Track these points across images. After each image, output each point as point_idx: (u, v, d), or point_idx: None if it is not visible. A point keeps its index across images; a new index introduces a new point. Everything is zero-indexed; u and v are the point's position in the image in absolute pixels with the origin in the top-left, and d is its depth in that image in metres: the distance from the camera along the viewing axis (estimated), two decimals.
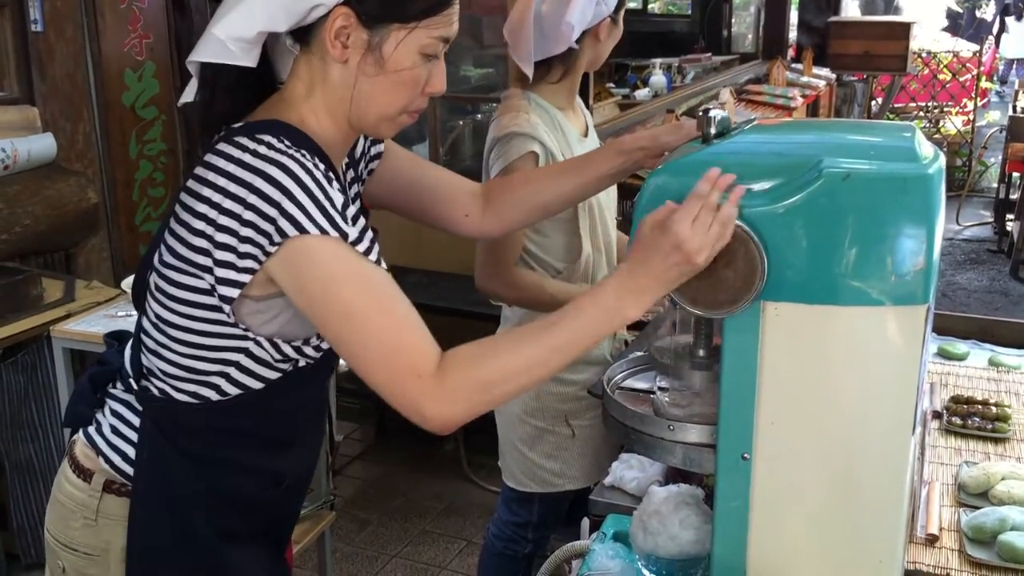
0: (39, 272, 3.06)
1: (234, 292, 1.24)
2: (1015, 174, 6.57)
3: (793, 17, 7.63)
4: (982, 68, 9.00)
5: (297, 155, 1.21)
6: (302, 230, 1.17)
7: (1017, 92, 7.56)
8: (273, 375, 1.35)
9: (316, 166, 1.21)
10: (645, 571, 1.47)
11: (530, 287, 2.13)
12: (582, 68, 2.19)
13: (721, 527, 1.31)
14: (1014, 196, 6.54)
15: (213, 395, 1.34)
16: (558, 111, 2.16)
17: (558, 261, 2.18)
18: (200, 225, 1.24)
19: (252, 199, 1.19)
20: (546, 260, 2.18)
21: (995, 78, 11.37)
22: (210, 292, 1.26)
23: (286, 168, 1.19)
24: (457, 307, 3.61)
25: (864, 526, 1.26)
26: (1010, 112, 7.19)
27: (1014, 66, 11.78)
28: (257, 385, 1.34)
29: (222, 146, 1.25)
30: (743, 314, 1.21)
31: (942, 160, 1.23)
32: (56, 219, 3.32)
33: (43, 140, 3.32)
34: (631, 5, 10.03)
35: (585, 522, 1.81)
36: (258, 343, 1.30)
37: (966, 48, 9.12)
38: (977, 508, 1.77)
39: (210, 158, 1.25)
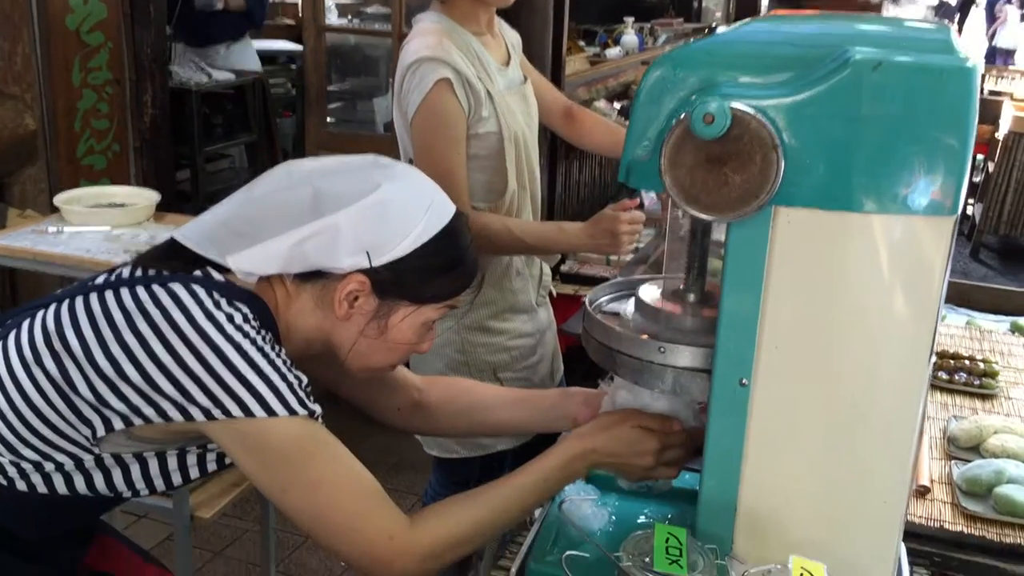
0: None
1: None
2: (979, 156, 6.54)
3: None
4: None
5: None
6: (271, 412, 1.13)
7: (984, 75, 7.54)
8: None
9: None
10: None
11: (496, 228, 1.98)
12: None
13: (712, 460, 1.18)
14: (976, 179, 6.52)
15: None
16: (474, 37, 2.01)
17: (480, 201, 2.03)
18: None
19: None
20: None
21: None
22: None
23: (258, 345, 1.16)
24: None
25: (870, 459, 1.14)
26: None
27: (1005, 59, 11.74)
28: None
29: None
30: (752, 219, 1.08)
31: (976, 59, 1.11)
32: None
33: None
34: None
35: None
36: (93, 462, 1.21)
37: None
38: (969, 461, 1.67)
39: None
